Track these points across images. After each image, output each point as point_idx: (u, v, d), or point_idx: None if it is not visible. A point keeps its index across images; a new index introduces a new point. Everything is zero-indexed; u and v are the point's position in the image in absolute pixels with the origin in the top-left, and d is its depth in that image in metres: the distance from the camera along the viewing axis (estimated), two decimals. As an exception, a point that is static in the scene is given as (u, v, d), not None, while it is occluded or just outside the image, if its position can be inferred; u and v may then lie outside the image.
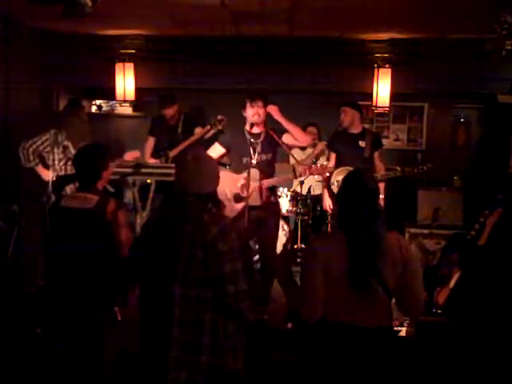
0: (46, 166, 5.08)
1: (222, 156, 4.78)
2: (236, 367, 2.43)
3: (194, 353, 2.36)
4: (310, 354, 2.65)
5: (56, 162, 5.04)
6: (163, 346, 2.39)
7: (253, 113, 4.54)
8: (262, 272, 4.74)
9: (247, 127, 4.65)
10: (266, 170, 4.64)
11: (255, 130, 4.63)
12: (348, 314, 2.51)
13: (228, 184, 4.54)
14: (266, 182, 4.58)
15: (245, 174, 4.48)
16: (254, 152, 4.59)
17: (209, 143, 5.06)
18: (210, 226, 2.39)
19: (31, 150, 4.99)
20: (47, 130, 5.04)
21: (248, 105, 4.56)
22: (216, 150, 4.71)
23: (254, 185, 4.49)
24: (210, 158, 2.78)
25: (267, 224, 4.65)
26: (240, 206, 4.55)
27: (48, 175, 4.97)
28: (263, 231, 4.68)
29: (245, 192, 4.46)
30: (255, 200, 4.51)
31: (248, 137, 4.64)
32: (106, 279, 3.08)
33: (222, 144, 4.74)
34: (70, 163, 4.99)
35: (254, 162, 4.56)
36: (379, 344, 2.51)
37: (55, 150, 5.01)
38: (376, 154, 5.57)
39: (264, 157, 4.62)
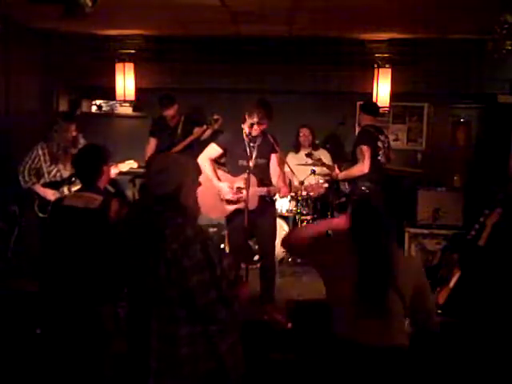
0: (45, 184, 4.97)
1: (219, 156, 4.75)
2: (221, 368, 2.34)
3: (174, 364, 2.33)
4: (314, 367, 2.62)
5: (46, 175, 4.98)
6: (144, 358, 2.38)
7: (255, 129, 4.47)
8: (263, 272, 4.77)
9: (246, 130, 4.54)
10: (262, 175, 4.62)
11: (253, 133, 4.53)
12: (356, 332, 2.43)
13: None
14: (259, 190, 4.55)
15: (242, 177, 4.48)
16: (251, 156, 4.56)
17: (207, 143, 5.03)
18: (171, 241, 2.28)
19: (26, 171, 4.92)
20: (35, 147, 4.95)
21: (255, 125, 4.44)
22: (213, 150, 4.66)
23: (251, 190, 4.44)
24: (179, 158, 2.56)
25: (264, 225, 4.69)
26: (231, 207, 4.61)
27: (51, 194, 4.86)
28: (261, 232, 4.73)
29: (243, 194, 4.47)
30: (251, 204, 4.48)
31: (246, 140, 4.57)
32: (110, 278, 3.09)
33: (219, 144, 4.66)
34: (59, 174, 4.99)
35: (250, 165, 4.51)
36: (386, 365, 2.43)
37: (43, 164, 4.96)
38: (358, 149, 5.40)
39: (260, 161, 4.59)
